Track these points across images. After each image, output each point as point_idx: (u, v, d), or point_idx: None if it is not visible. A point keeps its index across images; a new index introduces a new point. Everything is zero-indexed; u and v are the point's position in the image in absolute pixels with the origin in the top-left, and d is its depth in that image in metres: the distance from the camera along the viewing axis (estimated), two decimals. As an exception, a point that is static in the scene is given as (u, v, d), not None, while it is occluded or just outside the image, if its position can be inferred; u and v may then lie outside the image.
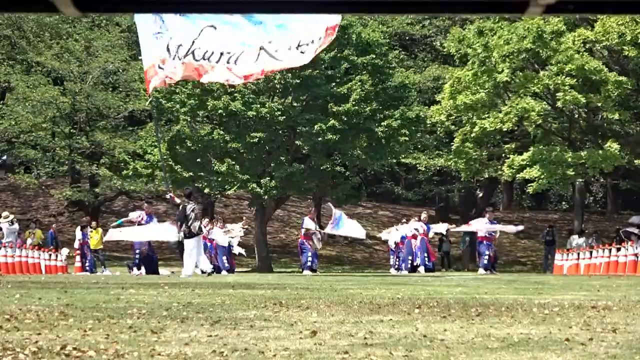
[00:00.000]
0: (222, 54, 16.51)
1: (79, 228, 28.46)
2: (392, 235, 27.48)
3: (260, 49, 16.41)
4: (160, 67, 16.96)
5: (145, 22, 17.31)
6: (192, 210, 20.03)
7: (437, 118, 30.88)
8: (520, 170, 28.76)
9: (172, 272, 23.89)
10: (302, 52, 16.48)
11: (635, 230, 24.93)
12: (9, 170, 42.56)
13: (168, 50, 16.79)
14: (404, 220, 28.33)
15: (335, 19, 16.84)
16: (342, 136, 29.10)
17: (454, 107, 29.81)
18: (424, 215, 27.21)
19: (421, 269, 25.59)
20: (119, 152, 33.10)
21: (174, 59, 16.78)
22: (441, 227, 27.82)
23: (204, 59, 16.63)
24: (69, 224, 40.28)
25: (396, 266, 27.32)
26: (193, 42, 16.57)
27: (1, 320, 7.43)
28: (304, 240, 24.77)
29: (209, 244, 24.95)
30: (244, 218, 29.63)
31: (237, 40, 16.50)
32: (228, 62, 16.53)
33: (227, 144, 28.80)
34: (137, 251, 23.17)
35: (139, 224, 23.27)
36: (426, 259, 26.11)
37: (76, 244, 27.83)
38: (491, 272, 24.21)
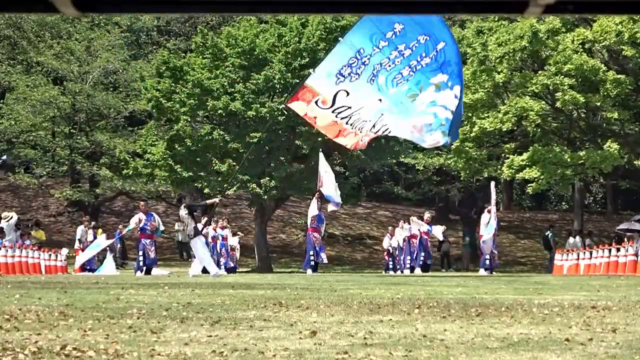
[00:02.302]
0: (372, 126, 17.83)
1: (80, 228, 28.47)
2: (398, 235, 27.19)
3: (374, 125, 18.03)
4: (317, 104, 17.72)
5: (340, 57, 17.81)
6: (186, 214, 20.70)
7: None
8: (520, 170, 28.76)
9: (171, 272, 23.89)
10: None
11: (637, 227, 24.94)
12: (9, 170, 42.56)
13: (334, 99, 17.57)
14: (403, 221, 28.17)
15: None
16: (342, 136, 29.10)
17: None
18: (427, 216, 27.16)
19: (417, 270, 25.56)
20: (120, 152, 33.10)
21: (333, 112, 17.64)
22: (438, 232, 27.72)
23: (352, 126, 17.79)
24: (68, 224, 40.29)
25: (392, 267, 27.26)
26: (358, 110, 17.65)
27: (1, 320, 7.43)
28: (311, 233, 24.68)
29: (212, 243, 25.00)
30: (239, 234, 29.55)
31: (380, 115, 17.87)
32: (360, 130, 17.94)
33: (227, 143, 28.81)
34: (141, 253, 23.17)
35: (141, 227, 23.30)
36: (423, 258, 26.13)
37: (77, 245, 27.83)
38: (490, 273, 24.19)
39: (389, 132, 18.56)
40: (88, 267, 26.54)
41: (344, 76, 17.65)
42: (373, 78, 17.74)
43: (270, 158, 29.73)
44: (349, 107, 17.74)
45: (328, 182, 24.50)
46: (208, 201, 22.83)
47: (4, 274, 21.74)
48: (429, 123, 17.82)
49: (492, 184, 25.49)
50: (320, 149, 26.11)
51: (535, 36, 27.68)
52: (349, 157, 31.40)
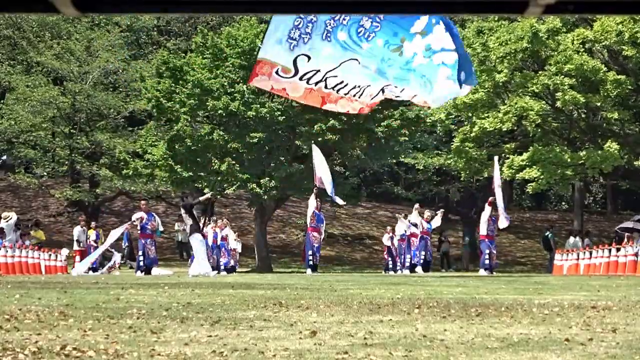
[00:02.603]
0: (354, 87, 17.20)
1: (77, 228, 28.49)
2: (398, 228, 27.11)
3: (380, 90, 17.50)
4: (278, 74, 16.98)
5: (284, 22, 17.19)
6: (184, 212, 21.02)
7: (438, 117, 30.89)
8: (520, 170, 28.76)
9: (172, 272, 23.88)
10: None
11: (634, 225, 24.94)
12: (9, 170, 42.55)
13: (295, 65, 16.87)
14: (404, 215, 28.04)
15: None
16: (341, 136, 29.11)
17: (453, 106, 29.83)
18: (427, 214, 27.13)
19: (418, 269, 25.55)
20: (120, 152, 33.10)
21: (301, 79, 16.97)
22: (437, 220, 27.63)
23: (334, 89, 17.18)
24: (69, 224, 40.28)
25: (391, 267, 27.25)
26: (333, 69, 16.98)
27: (1, 320, 7.43)
28: (310, 233, 24.68)
29: (212, 243, 25.00)
30: (236, 232, 29.54)
31: (369, 77, 17.25)
32: (354, 95, 17.34)
33: (227, 143, 28.81)
34: (141, 252, 23.16)
35: (142, 226, 23.29)
36: (424, 257, 26.11)
37: (75, 246, 27.83)
38: (490, 273, 24.17)
39: (401, 95, 17.98)
40: (93, 266, 26.59)
41: (295, 39, 16.74)
42: (329, 35, 16.85)
43: (270, 158, 29.73)
44: (317, 71, 16.97)
45: (323, 175, 24.53)
46: (201, 198, 22.86)
47: (4, 274, 21.74)
48: (447, 75, 17.15)
49: (496, 158, 25.23)
50: (313, 142, 26.02)
51: (536, 36, 27.69)
52: (348, 157, 31.41)
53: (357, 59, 17.07)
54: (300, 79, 16.98)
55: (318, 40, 16.79)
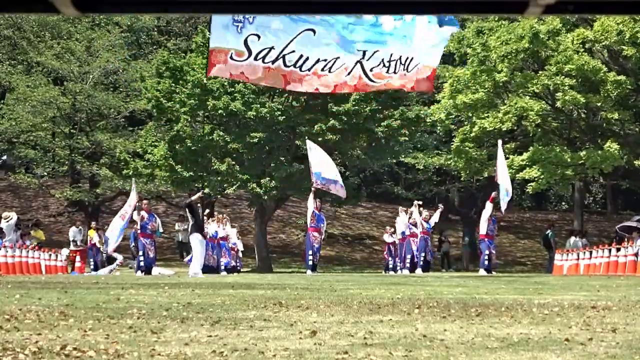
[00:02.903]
0: (318, 60, 15.91)
1: (73, 229, 28.54)
2: (400, 222, 27.07)
3: (357, 62, 15.97)
4: (233, 59, 15.98)
5: None
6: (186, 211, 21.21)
7: (437, 117, 30.89)
8: (520, 170, 28.76)
9: (174, 272, 23.88)
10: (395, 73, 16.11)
11: (637, 224, 24.93)
12: (10, 170, 42.56)
13: (247, 46, 15.83)
14: (405, 210, 27.89)
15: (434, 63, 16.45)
16: (342, 136, 29.11)
17: (453, 106, 29.83)
18: (425, 213, 27.13)
19: (418, 270, 25.55)
20: (120, 152, 33.10)
21: (256, 59, 15.88)
22: (435, 217, 27.61)
23: (296, 67, 15.89)
24: (69, 224, 40.29)
25: (392, 267, 27.27)
26: (288, 44, 15.78)
27: (1, 320, 7.43)
28: (310, 233, 24.65)
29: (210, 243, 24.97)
30: (236, 226, 29.53)
31: (332, 48, 15.97)
32: (323, 70, 15.98)
33: (227, 144, 28.81)
34: (141, 252, 23.15)
35: (142, 226, 23.27)
36: (424, 257, 26.14)
37: (71, 246, 27.84)
38: (490, 273, 24.17)
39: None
40: (93, 267, 26.61)
41: (240, 21, 15.90)
42: None
43: (271, 158, 29.74)
44: (271, 48, 15.88)
45: (323, 165, 24.34)
46: (193, 197, 22.63)
47: (4, 274, 21.74)
48: (426, 21, 15.89)
49: (500, 142, 25.13)
50: (307, 137, 25.83)
51: (536, 37, 27.69)
52: (349, 157, 31.41)
53: (312, 29, 15.90)
54: (255, 59, 15.94)
55: (264, 17, 15.68)
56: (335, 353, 5.62)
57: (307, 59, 15.86)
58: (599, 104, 28.23)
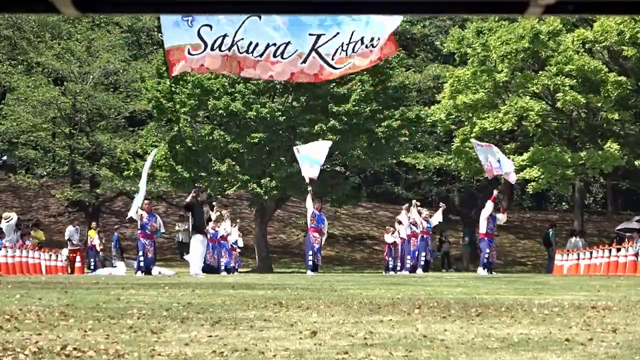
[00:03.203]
0: (268, 45, 15.43)
1: (70, 227, 28.55)
2: (401, 219, 27.05)
3: (312, 50, 15.43)
4: (191, 54, 15.69)
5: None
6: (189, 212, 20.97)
7: (438, 117, 30.90)
8: (520, 170, 28.78)
9: (175, 272, 23.87)
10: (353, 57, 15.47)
11: (637, 226, 24.95)
12: (10, 171, 42.56)
13: (201, 38, 15.54)
14: (406, 210, 27.83)
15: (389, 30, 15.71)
16: (342, 136, 29.13)
17: (454, 106, 29.85)
18: (425, 213, 27.13)
19: (419, 270, 25.55)
20: (120, 152, 33.12)
21: (213, 49, 15.52)
22: (438, 216, 27.60)
23: (248, 53, 15.47)
24: (69, 225, 40.30)
25: (392, 267, 27.28)
26: (237, 31, 15.42)
27: (1, 320, 7.43)
28: (311, 233, 24.62)
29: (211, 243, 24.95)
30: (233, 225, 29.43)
31: (281, 33, 15.49)
32: (275, 56, 15.48)
33: (227, 144, 28.82)
34: (141, 252, 23.12)
35: (142, 225, 23.22)
36: (424, 257, 26.17)
37: (69, 246, 27.86)
38: (489, 272, 24.15)
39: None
40: (93, 267, 26.64)
41: (189, 15, 15.45)
42: None
43: (271, 158, 29.75)
44: (224, 36, 15.57)
45: (311, 150, 24.04)
46: (187, 199, 22.30)
47: (4, 274, 21.75)
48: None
49: (474, 141, 25.27)
50: (295, 148, 25.22)
51: (537, 37, 27.71)
52: (349, 157, 31.42)
53: (258, 16, 15.35)
54: (212, 49, 15.63)
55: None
56: (335, 353, 5.62)
57: (257, 44, 15.49)
58: (599, 104, 28.24)
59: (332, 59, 15.44)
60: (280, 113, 28.60)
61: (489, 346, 5.98)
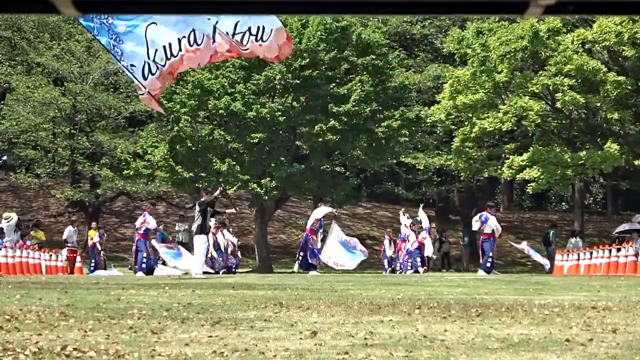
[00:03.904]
0: (179, 40, 15.55)
1: (69, 228, 28.52)
2: (403, 221, 27.16)
3: (214, 28, 15.55)
4: (150, 93, 15.57)
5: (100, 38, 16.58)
6: (197, 211, 20.70)
7: (438, 117, 30.90)
8: (520, 170, 28.77)
9: (182, 272, 23.82)
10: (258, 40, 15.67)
11: (637, 226, 24.96)
12: (10, 171, 42.55)
13: (144, 74, 15.63)
14: (403, 212, 27.97)
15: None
16: (342, 136, 29.13)
17: (453, 107, 29.85)
18: (408, 221, 27.24)
19: (420, 270, 25.65)
20: (120, 152, 33.12)
21: (154, 73, 15.58)
22: (424, 218, 27.72)
23: (169, 60, 15.58)
24: (69, 225, 40.28)
25: (392, 267, 27.36)
26: (148, 51, 15.56)
27: (2, 320, 7.43)
28: (309, 235, 24.72)
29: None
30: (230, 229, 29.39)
31: (181, 25, 15.73)
32: (191, 45, 15.53)
33: (227, 144, 28.83)
34: (145, 254, 23.15)
35: (145, 230, 23.27)
36: (419, 262, 26.33)
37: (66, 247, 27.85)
38: (489, 273, 24.12)
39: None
40: (93, 268, 26.62)
41: (116, 41, 16.02)
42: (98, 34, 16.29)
43: (271, 158, 29.75)
44: (155, 50, 15.69)
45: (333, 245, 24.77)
46: (215, 194, 22.36)
47: (4, 274, 21.75)
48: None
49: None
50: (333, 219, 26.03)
51: (536, 36, 27.71)
52: (349, 157, 31.42)
53: (153, 23, 15.90)
54: (154, 73, 15.60)
55: (127, 42, 15.88)
56: (335, 353, 5.63)
57: (170, 45, 15.63)
58: (598, 104, 28.24)
59: (233, 37, 15.43)
60: (280, 113, 28.60)
61: (489, 346, 5.98)
